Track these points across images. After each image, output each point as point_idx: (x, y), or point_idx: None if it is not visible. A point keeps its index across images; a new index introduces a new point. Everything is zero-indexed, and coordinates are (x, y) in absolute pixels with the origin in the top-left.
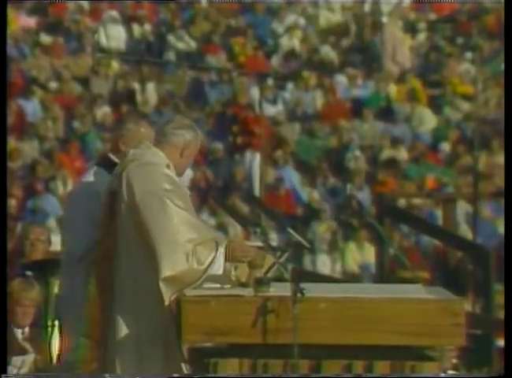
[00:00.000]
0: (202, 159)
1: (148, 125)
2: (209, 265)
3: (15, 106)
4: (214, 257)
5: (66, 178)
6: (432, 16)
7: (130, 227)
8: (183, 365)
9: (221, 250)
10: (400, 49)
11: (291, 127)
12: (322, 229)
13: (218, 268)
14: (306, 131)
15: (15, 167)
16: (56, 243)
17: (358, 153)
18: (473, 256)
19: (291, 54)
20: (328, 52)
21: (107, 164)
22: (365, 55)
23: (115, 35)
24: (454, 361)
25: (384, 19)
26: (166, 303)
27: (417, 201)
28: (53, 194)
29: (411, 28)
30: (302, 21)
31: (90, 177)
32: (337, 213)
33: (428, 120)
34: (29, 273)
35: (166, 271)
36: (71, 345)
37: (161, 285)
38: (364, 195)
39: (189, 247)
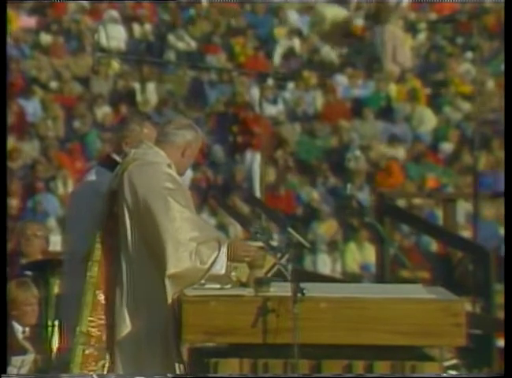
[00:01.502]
0: (202, 159)
1: (151, 126)
2: (211, 265)
3: (15, 106)
4: (217, 257)
5: (66, 178)
6: (433, 16)
7: (131, 227)
8: (176, 365)
9: (224, 249)
10: (401, 49)
11: (291, 127)
12: (323, 229)
13: (220, 268)
14: (307, 131)
15: (15, 167)
16: (56, 243)
17: (358, 153)
18: (473, 256)
19: (291, 54)
20: (329, 52)
21: (110, 165)
22: (365, 55)
23: (115, 35)
24: (454, 361)
25: (385, 19)
26: (169, 301)
27: (417, 201)
28: (54, 194)
29: (412, 28)
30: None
31: (93, 177)
32: (337, 213)
33: (429, 120)
34: (29, 273)
35: (171, 268)
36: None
37: (166, 282)
38: (364, 195)
39: (192, 246)
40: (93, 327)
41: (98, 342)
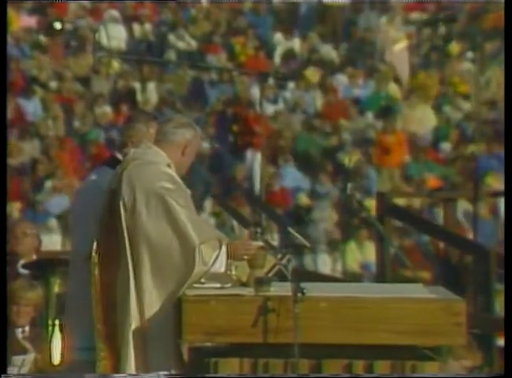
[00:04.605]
0: (203, 158)
1: (157, 126)
2: (212, 265)
3: (15, 105)
4: (217, 256)
5: (66, 177)
6: (433, 16)
7: (128, 226)
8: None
9: (223, 248)
10: (391, 48)
11: (291, 126)
12: (323, 228)
13: (220, 266)
14: (307, 130)
15: (16, 166)
16: (56, 243)
17: (354, 152)
18: (474, 255)
19: (291, 54)
20: (329, 51)
21: (115, 164)
22: (361, 54)
23: (116, 35)
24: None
25: (378, 17)
26: (168, 300)
27: (417, 200)
28: (54, 194)
29: (411, 27)
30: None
31: (97, 176)
32: (338, 212)
33: (429, 119)
34: (25, 272)
35: (175, 269)
36: (79, 344)
37: (170, 281)
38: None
39: (194, 246)
40: (98, 327)
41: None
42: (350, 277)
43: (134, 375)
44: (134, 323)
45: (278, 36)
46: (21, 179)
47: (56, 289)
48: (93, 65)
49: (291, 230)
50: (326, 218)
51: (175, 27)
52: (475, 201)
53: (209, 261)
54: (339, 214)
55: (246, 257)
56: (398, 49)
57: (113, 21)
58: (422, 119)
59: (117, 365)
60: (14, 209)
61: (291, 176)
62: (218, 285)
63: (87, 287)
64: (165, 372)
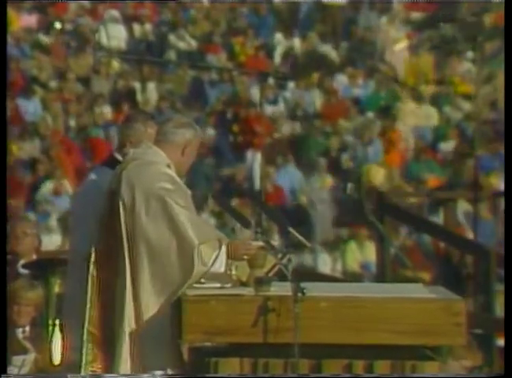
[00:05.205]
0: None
1: (155, 125)
2: (211, 265)
3: (15, 105)
4: (217, 256)
5: (66, 177)
6: (433, 15)
7: (127, 226)
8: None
9: (223, 248)
10: (391, 48)
11: (291, 126)
12: (323, 227)
13: (220, 266)
14: (307, 130)
15: (15, 166)
16: (56, 243)
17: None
18: (474, 255)
19: (291, 54)
20: (329, 51)
21: (113, 164)
22: (361, 54)
23: (116, 35)
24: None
25: (378, 18)
26: (167, 300)
27: (417, 200)
28: (54, 194)
29: (411, 27)
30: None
31: (96, 176)
32: (338, 212)
33: (430, 119)
34: (25, 271)
35: (174, 271)
36: (76, 344)
37: (169, 283)
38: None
39: (193, 247)
40: (95, 327)
41: (98, 342)
42: (350, 277)
43: (130, 375)
44: (132, 324)
45: (278, 36)
46: (21, 178)
47: (56, 289)
48: (93, 65)
49: (291, 230)
50: (325, 218)
51: (175, 27)
52: (475, 201)
53: (209, 261)
54: (339, 214)
55: (246, 257)
56: (398, 49)
57: (113, 21)
58: (421, 112)
59: (112, 367)
60: (14, 208)
61: (291, 176)
62: (218, 285)
63: (85, 287)
64: (161, 372)
